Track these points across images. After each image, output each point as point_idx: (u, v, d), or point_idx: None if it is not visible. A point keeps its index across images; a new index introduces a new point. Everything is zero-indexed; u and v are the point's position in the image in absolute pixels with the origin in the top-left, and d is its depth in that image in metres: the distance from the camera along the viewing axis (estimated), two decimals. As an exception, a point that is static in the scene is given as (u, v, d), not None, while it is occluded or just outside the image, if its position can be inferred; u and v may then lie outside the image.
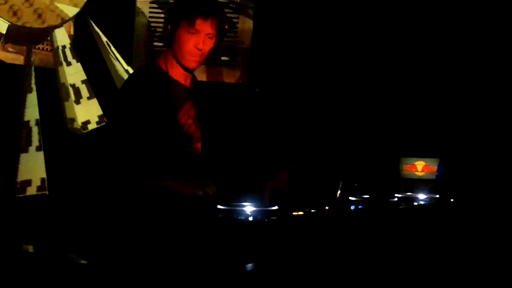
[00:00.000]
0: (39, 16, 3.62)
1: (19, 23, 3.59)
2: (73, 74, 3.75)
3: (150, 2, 4.17)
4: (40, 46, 3.85)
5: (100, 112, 3.77)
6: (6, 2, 3.52)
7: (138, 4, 4.15)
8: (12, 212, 3.54)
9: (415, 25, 4.46)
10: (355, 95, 4.51)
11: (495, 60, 4.40)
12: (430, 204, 2.97)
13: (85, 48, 3.91)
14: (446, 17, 4.44)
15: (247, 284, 2.01)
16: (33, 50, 3.75)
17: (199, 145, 2.68)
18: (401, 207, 2.85)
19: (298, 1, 4.44)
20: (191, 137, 2.63)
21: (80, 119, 3.74)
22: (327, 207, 2.50)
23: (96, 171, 2.48)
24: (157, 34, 4.12)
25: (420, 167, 3.58)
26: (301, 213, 2.39)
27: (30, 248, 2.30)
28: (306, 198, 2.49)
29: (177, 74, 2.60)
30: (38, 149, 3.65)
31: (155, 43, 4.17)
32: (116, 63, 3.92)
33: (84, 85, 3.78)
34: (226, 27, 2.59)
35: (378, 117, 4.49)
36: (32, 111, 3.65)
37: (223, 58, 4.28)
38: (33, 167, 3.65)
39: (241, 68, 4.36)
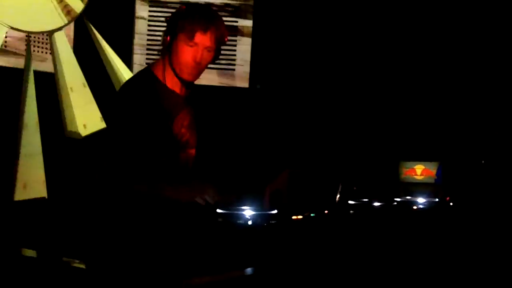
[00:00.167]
0: (38, 20, 3.63)
1: (19, 27, 3.60)
2: (72, 77, 3.75)
3: (150, 7, 4.17)
4: (40, 50, 3.86)
5: (99, 115, 3.77)
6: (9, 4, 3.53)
7: (138, 9, 4.16)
8: (11, 216, 3.54)
9: (416, 31, 4.46)
10: (354, 100, 4.51)
11: (494, 65, 4.40)
12: (429, 208, 2.97)
13: (84, 52, 3.91)
14: (445, 22, 4.44)
15: (246, 288, 2.01)
16: (32, 53, 3.75)
17: (193, 151, 2.68)
18: (400, 210, 2.85)
19: (298, 4, 4.44)
20: (185, 144, 2.63)
21: (79, 123, 3.74)
22: (326, 211, 2.50)
23: (90, 180, 2.48)
24: (156, 38, 4.13)
25: (419, 171, 3.58)
26: (300, 217, 2.39)
27: (29, 252, 2.30)
28: (305, 201, 2.49)
29: (174, 83, 2.59)
30: (37, 153, 3.65)
31: (155, 48, 4.17)
32: (115, 67, 3.92)
33: (83, 89, 3.78)
34: (226, 39, 2.58)
35: (378, 121, 4.50)
36: (31, 115, 3.65)
37: (222, 62, 4.29)
38: (32, 170, 3.65)
39: (241, 72, 4.36)
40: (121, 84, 3.77)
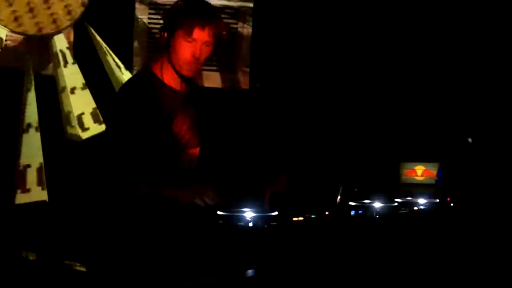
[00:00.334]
0: (37, 23, 3.63)
1: (19, 30, 3.60)
2: (73, 80, 3.75)
3: (149, 9, 4.18)
4: (40, 53, 3.86)
5: (99, 118, 3.77)
6: (9, 8, 3.53)
7: (137, 11, 4.16)
8: (11, 219, 3.54)
9: (416, 32, 4.46)
10: (355, 101, 4.51)
11: (494, 65, 4.40)
12: (430, 209, 2.97)
13: (84, 55, 3.91)
14: (446, 23, 4.45)
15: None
16: (32, 56, 3.75)
17: (196, 151, 2.66)
18: (401, 211, 2.85)
19: (297, 6, 4.44)
20: (187, 143, 2.61)
21: (79, 125, 3.74)
22: (327, 213, 2.50)
23: (89, 184, 2.47)
24: (156, 40, 4.13)
25: (420, 172, 3.58)
26: (301, 218, 2.39)
27: (30, 255, 2.29)
28: (306, 203, 2.49)
29: (173, 80, 2.57)
30: (37, 155, 3.65)
31: (155, 49, 4.17)
32: (116, 69, 3.92)
33: (83, 92, 3.78)
34: (224, 33, 2.57)
35: (378, 122, 4.49)
36: (31, 118, 3.65)
37: (222, 63, 4.29)
38: (32, 174, 3.65)
39: (240, 73, 4.36)
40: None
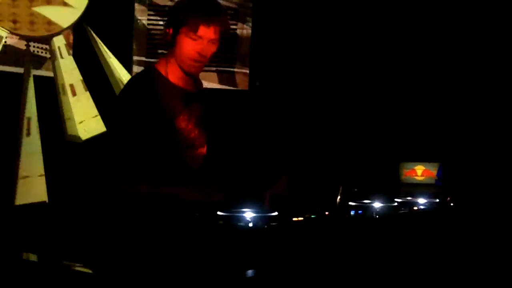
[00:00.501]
0: (36, 25, 3.63)
1: (19, 32, 3.60)
2: (72, 81, 3.75)
3: (149, 10, 4.18)
4: (39, 54, 3.86)
5: (99, 119, 3.77)
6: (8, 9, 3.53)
7: (137, 12, 4.16)
8: (11, 220, 3.54)
9: (415, 32, 4.46)
10: (354, 101, 4.51)
11: (494, 64, 4.40)
12: (430, 209, 2.97)
13: (84, 57, 3.91)
14: (446, 23, 4.45)
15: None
16: (31, 58, 3.75)
17: (203, 150, 2.64)
18: (401, 211, 2.85)
19: (297, 6, 4.44)
20: (194, 142, 2.59)
21: (79, 127, 3.74)
22: (327, 213, 2.50)
23: (88, 184, 2.47)
24: (155, 41, 4.13)
25: (419, 172, 3.58)
26: (301, 218, 2.39)
27: (30, 256, 2.29)
28: (306, 203, 2.49)
29: (177, 78, 2.55)
30: (37, 156, 3.65)
31: (155, 52, 4.17)
32: (115, 71, 3.92)
33: (83, 93, 3.78)
34: (229, 30, 2.54)
35: (378, 122, 4.49)
36: (31, 120, 3.65)
37: (222, 64, 4.29)
38: (33, 175, 3.65)
39: (240, 74, 4.36)
40: (121, 88, 3.78)
